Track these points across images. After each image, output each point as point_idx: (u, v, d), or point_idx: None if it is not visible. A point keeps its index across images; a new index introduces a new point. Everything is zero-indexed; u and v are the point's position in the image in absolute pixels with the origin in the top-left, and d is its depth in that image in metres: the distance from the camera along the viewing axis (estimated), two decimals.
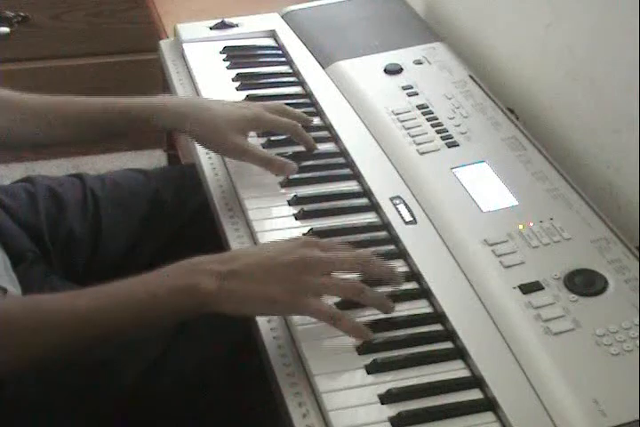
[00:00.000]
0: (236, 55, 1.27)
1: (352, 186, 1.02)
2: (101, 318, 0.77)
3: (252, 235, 0.95)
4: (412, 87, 1.13)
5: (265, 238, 0.94)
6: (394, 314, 0.83)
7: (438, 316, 0.85)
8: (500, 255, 0.88)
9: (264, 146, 1.07)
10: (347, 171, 1.04)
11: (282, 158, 1.01)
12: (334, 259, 0.81)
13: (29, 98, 1.04)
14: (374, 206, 0.98)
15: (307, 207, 0.98)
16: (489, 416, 0.76)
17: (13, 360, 0.76)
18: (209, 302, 0.78)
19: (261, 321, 0.85)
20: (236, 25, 1.32)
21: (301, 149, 1.07)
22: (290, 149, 1.06)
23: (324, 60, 1.22)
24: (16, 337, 0.75)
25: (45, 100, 1.03)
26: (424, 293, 0.87)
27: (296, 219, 0.97)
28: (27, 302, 0.81)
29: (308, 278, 0.79)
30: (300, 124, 1.06)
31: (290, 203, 0.99)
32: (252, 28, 1.32)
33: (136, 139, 2.12)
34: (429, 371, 0.79)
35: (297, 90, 1.20)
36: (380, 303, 0.82)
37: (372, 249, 0.92)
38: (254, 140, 1.07)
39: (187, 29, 1.30)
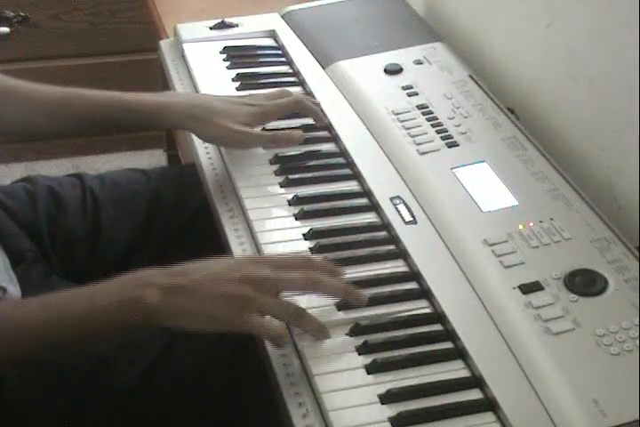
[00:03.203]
0: (235, 55, 1.27)
1: (352, 186, 1.02)
2: (44, 329, 0.77)
3: (252, 235, 0.95)
4: (411, 87, 1.13)
5: (265, 238, 0.94)
6: (394, 314, 0.83)
7: (438, 316, 0.85)
8: (499, 255, 0.88)
9: (264, 146, 1.07)
10: (347, 171, 1.04)
11: (283, 131, 1.02)
12: (281, 278, 0.80)
13: (38, 88, 1.04)
14: (374, 206, 0.98)
15: (307, 207, 0.98)
16: (489, 416, 0.76)
17: None
18: (151, 315, 0.77)
19: None
20: (236, 25, 1.32)
21: (300, 149, 1.07)
22: (290, 149, 1.06)
23: (324, 60, 1.22)
24: None
25: (54, 90, 1.04)
26: (424, 293, 0.87)
27: (296, 219, 0.97)
28: None
29: (251, 296, 0.77)
30: (303, 96, 1.06)
31: (290, 203, 0.99)
32: (252, 28, 1.32)
33: (136, 137, 2.13)
34: (429, 371, 0.79)
35: (297, 90, 1.20)
36: (317, 330, 0.81)
37: (372, 249, 0.92)
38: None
39: (187, 29, 1.30)
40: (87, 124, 1.05)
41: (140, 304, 0.77)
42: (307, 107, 1.07)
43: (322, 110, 1.08)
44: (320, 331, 0.81)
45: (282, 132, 1.02)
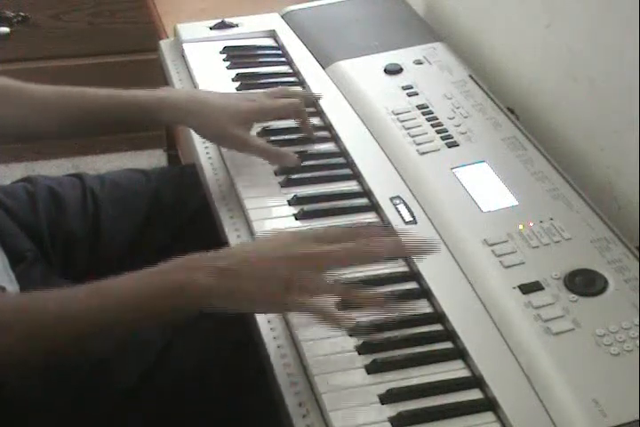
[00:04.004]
0: (235, 55, 1.27)
1: (352, 186, 1.02)
2: (97, 318, 0.76)
3: (252, 235, 0.95)
4: (411, 87, 1.13)
5: None
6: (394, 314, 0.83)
7: (438, 316, 0.85)
8: (499, 255, 0.88)
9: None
10: (347, 171, 1.04)
11: (282, 149, 1.02)
12: (327, 255, 0.79)
13: (32, 87, 1.04)
14: (374, 206, 0.98)
15: (307, 207, 0.98)
16: (489, 416, 0.76)
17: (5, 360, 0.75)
18: (206, 298, 0.77)
19: (261, 321, 0.85)
20: (236, 25, 1.32)
21: (301, 149, 1.07)
22: (290, 149, 1.06)
23: (324, 60, 1.22)
24: (7, 337, 0.74)
25: (49, 89, 1.04)
26: (424, 293, 0.87)
27: (296, 219, 0.97)
28: (20, 301, 0.80)
29: (296, 275, 0.77)
30: (302, 103, 1.06)
31: (290, 203, 0.99)
32: (252, 28, 1.33)
33: (136, 137, 2.12)
34: (429, 371, 0.79)
35: (297, 90, 1.20)
36: (372, 302, 0.80)
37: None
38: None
39: (187, 29, 1.30)
40: (84, 123, 1.05)
41: (192, 287, 0.76)
42: (301, 115, 1.06)
43: (313, 132, 1.08)
44: (376, 302, 0.79)
45: (279, 150, 1.02)
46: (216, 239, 0.99)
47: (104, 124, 1.07)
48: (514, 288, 0.84)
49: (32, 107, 1.03)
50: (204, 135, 1.05)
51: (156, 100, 1.02)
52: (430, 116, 1.07)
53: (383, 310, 0.80)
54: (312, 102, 1.11)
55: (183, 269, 0.78)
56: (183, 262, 0.79)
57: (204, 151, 1.08)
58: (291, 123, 1.10)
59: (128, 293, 0.77)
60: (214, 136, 1.03)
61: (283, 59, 1.27)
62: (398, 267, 0.90)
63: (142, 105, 1.02)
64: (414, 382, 0.78)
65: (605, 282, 0.84)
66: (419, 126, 1.06)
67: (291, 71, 1.24)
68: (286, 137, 1.09)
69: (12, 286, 0.94)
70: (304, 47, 1.26)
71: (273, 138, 1.09)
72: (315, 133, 1.08)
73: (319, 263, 0.79)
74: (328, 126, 1.11)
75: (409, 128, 1.06)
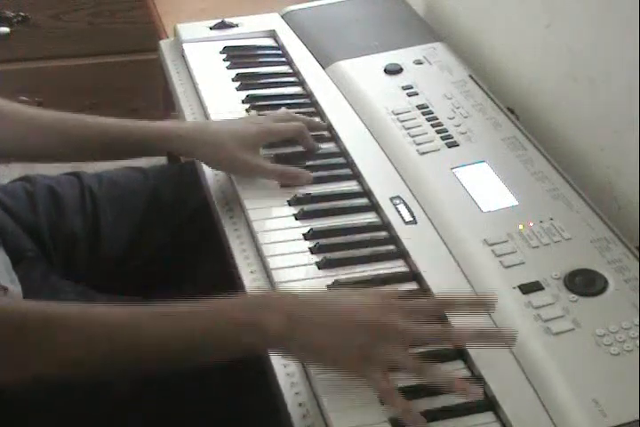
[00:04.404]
0: (236, 55, 1.27)
1: (352, 186, 1.02)
2: (156, 342, 0.74)
3: (252, 235, 0.95)
4: (411, 87, 1.13)
5: (265, 238, 0.94)
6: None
7: (438, 316, 0.84)
8: (499, 255, 0.88)
9: (264, 146, 1.07)
10: (347, 171, 1.04)
11: (294, 169, 1.01)
12: (412, 333, 0.76)
13: (41, 113, 1.03)
14: (374, 206, 0.98)
15: (307, 207, 0.98)
16: (489, 416, 0.76)
17: (56, 367, 0.73)
18: (271, 341, 0.75)
19: None
20: (236, 25, 1.32)
21: (300, 149, 1.07)
22: (290, 150, 1.06)
23: (324, 60, 1.22)
24: (65, 344, 0.73)
25: (58, 117, 1.02)
26: (424, 293, 0.87)
27: (296, 219, 0.97)
28: (86, 311, 0.77)
29: (378, 347, 0.74)
30: (305, 127, 1.06)
31: (290, 203, 0.99)
32: (252, 28, 1.33)
33: None
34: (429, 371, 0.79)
35: (297, 90, 1.20)
36: (446, 383, 0.75)
37: (372, 249, 0.92)
38: None
39: (187, 29, 1.30)
40: (84, 151, 1.04)
41: (259, 328, 0.74)
42: (305, 139, 1.06)
43: (316, 148, 1.07)
44: (449, 383, 0.75)
45: (292, 170, 1.01)
46: (216, 237, 0.99)
47: (107, 153, 1.05)
48: (514, 288, 0.84)
49: (28, 130, 1.01)
50: (214, 165, 1.03)
51: (168, 132, 1.01)
52: (430, 116, 1.07)
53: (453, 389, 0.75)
54: (315, 127, 1.10)
55: (259, 307, 0.75)
56: (263, 300, 0.77)
57: None
58: None
59: (199, 322, 0.75)
60: (225, 165, 1.02)
61: (283, 59, 1.26)
62: (398, 267, 0.90)
63: (153, 137, 1.01)
64: (414, 382, 0.78)
65: (605, 282, 0.84)
66: (419, 126, 1.06)
67: (291, 71, 1.24)
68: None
69: (14, 287, 0.94)
70: (304, 47, 1.26)
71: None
72: (316, 152, 1.07)
73: (404, 340, 0.76)
74: (328, 126, 1.11)
75: (409, 128, 1.06)
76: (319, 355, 0.76)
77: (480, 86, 1.12)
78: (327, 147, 1.08)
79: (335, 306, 0.77)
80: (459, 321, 0.80)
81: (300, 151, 1.07)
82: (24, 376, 0.73)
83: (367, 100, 1.12)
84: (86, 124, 1.02)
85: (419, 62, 1.18)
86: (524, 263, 0.87)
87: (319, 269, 0.90)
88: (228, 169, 1.03)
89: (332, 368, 0.76)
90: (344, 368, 0.76)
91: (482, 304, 0.80)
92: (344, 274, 0.89)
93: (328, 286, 0.87)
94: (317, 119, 1.12)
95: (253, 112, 1.12)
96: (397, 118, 1.08)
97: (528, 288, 0.84)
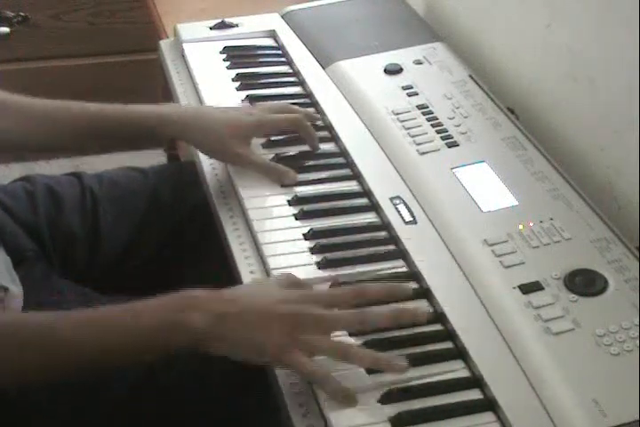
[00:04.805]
0: (236, 55, 1.27)
1: (352, 186, 1.02)
2: (84, 347, 0.76)
3: (252, 235, 0.95)
4: (411, 87, 1.13)
5: (265, 238, 0.94)
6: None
7: (438, 316, 0.85)
8: (499, 255, 0.88)
9: (264, 146, 1.07)
10: (347, 171, 1.04)
11: (282, 167, 1.01)
12: (332, 319, 0.79)
13: (36, 102, 1.03)
14: (374, 206, 0.98)
15: (307, 207, 0.98)
16: (489, 416, 0.76)
17: None
18: (195, 341, 0.76)
19: None
20: (236, 25, 1.32)
21: (300, 149, 1.07)
22: (290, 149, 1.06)
23: (324, 60, 1.22)
24: (16, 354, 0.75)
25: (52, 104, 1.03)
26: (424, 293, 0.87)
27: (296, 219, 0.97)
28: (15, 320, 0.80)
29: (299, 336, 0.77)
30: (303, 117, 1.06)
31: (290, 203, 0.99)
32: (252, 28, 1.32)
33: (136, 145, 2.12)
34: (429, 371, 0.79)
35: (297, 90, 1.20)
36: (370, 362, 0.78)
37: (372, 249, 0.92)
38: (254, 141, 1.06)
39: (187, 29, 1.30)
40: (83, 137, 1.04)
41: (184, 329, 0.76)
42: (304, 128, 1.06)
43: (317, 142, 1.07)
44: (376, 361, 0.78)
45: (280, 167, 1.01)
46: (215, 237, 0.99)
47: (104, 139, 1.06)
48: (514, 288, 0.84)
49: (31, 120, 1.01)
50: (204, 150, 1.04)
51: (157, 115, 1.02)
52: (430, 116, 1.07)
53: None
54: (310, 118, 1.09)
55: (182, 308, 0.77)
56: (182, 300, 0.78)
57: None
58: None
59: (121, 327, 0.77)
60: (215, 151, 1.03)
61: (283, 59, 1.26)
62: (398, 267, 0.90)
63: (143, 120, 1.02)
64: (414, 382, 0.78)
65: (605, 282, 0.84)
66: (419, 126, 1.06)
67: (291, 71, 1.24)
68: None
69: (15, 287, 0.94)
70: (304, 47, 1.26)
71: (273, 138, 1.08)
72: (316, 145, 1.07)
73: (322, 327, 0.78)
74: (328, 126, 1.11)
75: (409, 128, 1.06)
76: (244, 350, 0.77)
77: (480, 86, 1.12)
78: (327, 147, 1.08)
79: (256, 301, 0.79)
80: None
81: (300, 152, 1.06)
82: None
83: (367, 100, 1.12)
84: (79, 111, 1.02)
85: (419, 62, 1.18)
86: (523, 263, 0.87)
87: (319, 269, 0.90)
88: (217, 156, 1.04)
89: (258, 361, 0.78)
90: (270, 360, 0.78)
91: (395, 293, 0.82)
92: (344, 274, 0.89)
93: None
94: (313, 113, 1.11)
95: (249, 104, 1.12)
96: (397, 118, 1.08)
97: (528, 288, 0.84)
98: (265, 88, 1.19)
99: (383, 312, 0.80)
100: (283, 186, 1.01)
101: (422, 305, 0.86)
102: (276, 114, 1.05)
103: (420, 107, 1.09)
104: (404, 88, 1.13)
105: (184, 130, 1.02)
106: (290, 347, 0.76)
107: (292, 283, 0.83)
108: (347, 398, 0.76)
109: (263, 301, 0.79)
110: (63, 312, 0.79)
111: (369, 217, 0.97)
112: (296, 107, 1.09)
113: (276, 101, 1.12)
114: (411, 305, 0.84)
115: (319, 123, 1.12)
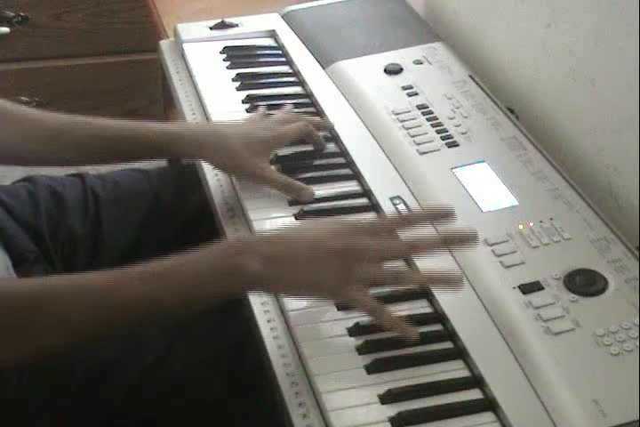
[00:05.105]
0: (235, 55, 1.27)
1: (352, 186, 1.02)
2: (149, 299, 0.77)
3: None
4: (411, 87, 1.13)
5: None
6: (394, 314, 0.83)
7: (438, 316, 0.85)
8: (499, 255, 0.88)
9: None
10: (347, 171, 1.04)
11: (299, 184, 1.00)
12: (383, 247, 0.81)
13: (45, 115, 1.01)
14: (374, 206, 0.98)
15: (307, 207, 0.98)
16: (489, 416, 0.76)
17: (56, 337, 0.75)
18: (254, 283, 0.79)
19: (261, 321, 0.85)
20: (236, 25, 1.32)
21: (301, 149, 1.07)
22: (290, 149, 1.06)
23: (324, 60, 1.22)
24: (60, 314, 0.75)
25: (61, 119, 1.01)
26: (424, 293, 0.87)
27: (296, 219, 0.97)
28: (76, 281, 0.79)
29: (354, 268, 0.79)
30: (309, 124, 1.05)
31: (290, 203, 0.99)
32: (252, 28, 1.33)
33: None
34: (429, 371, 0.79)
35: (297, 90, 1.20)
36: (427, 281, 0.83)
37: None
38: None
39: (187, 29, 1.30)
40: (94, 154, 1.03)
41: (240, 272, 0.77)
42: (311, 135, 1.06)
43: (324, 145, 1.08)
44: (430, 280, 0.83)
45: (294, 184, 1.00)
46: (217, 238, 0.99)
47: (112, 155, 1.04)
48: (514, 288, 0.84)
49: (26, 132, 1.00)
50: (221, 168, 1.02)
51: (170, 133, 1.00)
52: (430, 116, 1.07)
53: None
54: (318, 125, 1.09)
55: (234, 253, 0.78)
56: (235, 245, 0.80)
57: None
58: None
59: (181, 277, 0.77)
60: (233, 168, 1.01)
61: (283, 59, 1.27)
62: (398, 267, 0.90)
63: (157, 139, 1.00)
64: (414, 382, 0.78)
65: (605, 282, 0.84)
66: (419, 126, 1.06)
67: (291, 71, 1.24)
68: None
69: None
70: (304, 47, 1.26)
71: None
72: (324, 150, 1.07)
73: (376, 256, 0.80)
74: (328, 126, 1.11)
75: (409, 128, 1.06)
76: (301, 288, 0.79)
77: (480, 86, 1.12)
78: (327, 147, 1.08)
79: (305, 239, 0.80)
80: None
81: (300, 151, 1.06)
82: (25, 351, 0.74)
83: (367, 100, 1.12)
84: (92, 127, 1.01)
85: (419, 62, 1.18)
86: (523, 263, 0.87)
87: None
88: (235, 172, 1.02)
89: (316, 298, 0.81)
90: (328, 296, 0.80)
91: (441, 215, 0.85)
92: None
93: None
94: (318, 118, 1.11)
95: (261, 109, 1.11)
96: (397, 118, 1.08)
97: (528, 288, 0.84)
98: (265, 88, 1.19)
99: (434, 238, 0.83)
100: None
101: (422, 305, 0.86)
102: (287, 125, 1.04)
103: (420, 107, 1.09)
104: (404, 88, 1.13)
105: (200, 147, 1.00)
106: (346, 281, 0.78)
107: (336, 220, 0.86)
108: (404, 329, 0.79)
109: (313, 236, 0.80)
110: (120, 270, 0.78)
111: (369, 217, 0.97)
112: (303, 116, 1.08)
113: (281, 110, 1.09)
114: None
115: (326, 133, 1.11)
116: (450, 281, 0.82)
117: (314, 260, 0.79)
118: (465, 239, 0.84)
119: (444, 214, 0.85)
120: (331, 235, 0.80)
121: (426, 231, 0.85)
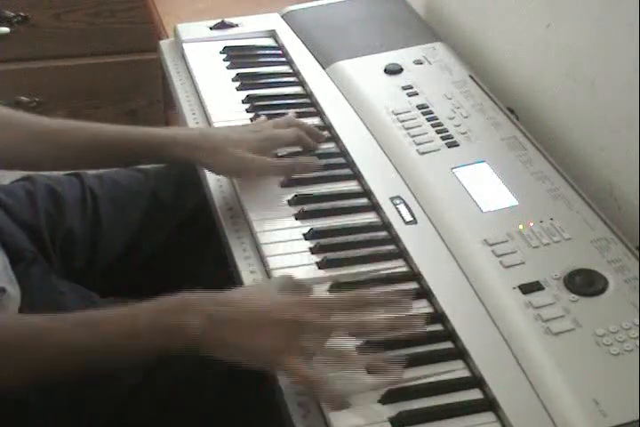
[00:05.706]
0: (235, 55, 1.27)
1: (352, 186, 1.02)
2: (81, 349, 0.76)
3: (252, 235, 0.95)
4: (411, 87, 1.13)
5: (265, 238, 0.94)
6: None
7: (438, 316, 0.85)
8: (499, 255, 0.88)
9: None
10: (347, 171, 1.04)
11: (300, 158, 1.00)
12: (329, 325, 0.79)
13: (42, 120, 1.01)
14: (374, 206, 0.98)
15: (307, 207, 0.98)
16: (489, 416, 0.76)
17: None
18: (191, 344, 0.76)
19: None
20: (236, 25, 1.32)
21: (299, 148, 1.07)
22: (289, 149, 1.06)
23: (324, 60, 1.22)
24: (13, 357, 0.75)
25: (58, 123, 1.01)
26: (424, 293, 0.87)
27: (296, 219, 0.97)
28: (11, 321, 0.80)
29: (296, 340, 0.76)
30: (301, 131, 1.05)
31: (290, 203, 0.99)
32: (252, 28, 1.33)
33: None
34: (429, 371, 0.79)
35: (297, 90, 1.20)
36: (366, 366, 0.78)
37: (372, 249, 0.92)
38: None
39: (187, 29, 1.30)
40: (90, 159, 1.02)
41: (181, 332, 0.76)
42: (305, 143, 1.05)
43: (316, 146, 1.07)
44: (374, 362, 0.78)
45: (297, 161, 1.00)
46: (216, 238, 0.99)
47: (110, 160, 1.04)
48: (514, 288, 0.84)
49: (32, 138, 1.00)
50: (219, 170, 1.02)
51: (167, 137, 1.00)
52: (430, 116, 1.07)
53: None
54: (309, 132, 1.08)
55: (177, 311, 0.77)
56: (180, 303, 0.78)
57: None
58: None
59: (119, 329, 0.77)
60: (234, 169, 1.00)
61: (283, 59, 1.26)
62: (398, 267, 0.90)
63: (153, 142, 1.00)
64: (414, 382, 0.78)
65: (605, 282, 0.84)
66: (419, 126, 1.06)
67: (291, 71, 1.24)
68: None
69: (12, 287, 0.93)
70: (304, 47, 1.26)
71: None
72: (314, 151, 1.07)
73: (320, 332, 0.78)
74: (328, 126, 1.11)
75: (409, 128, 1.06)
76: (241, 354, 0.77)
77: (480, 86, 1.12)
78: (327, 147, 1.08)
79: (254, 305, 0.79)
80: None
81: (300, 151, 1.06)
82: None
83: (367, 100, 1.12)
84: (87, 132, 1.01)
85: (419, 62, 1.18)
86: (523, 263, 0.87)
87: (319, 269, 0.90)
88: (236, 172, 1.01)
89: (255, 366, 0.78)
90: (263, 364, 0.78)
91: (395, 305, 0.82)
92: (344, 274, 0.89)
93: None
94: (315, 124, 1.11)
95: (263, 118, 1.10)
96: (397, 118, 1.08)
97: (528, 288, 0.84)
98: (265, 88, 1.19)
99: (381, 320, 0.79)
100: (282, 178, 1.01)
101: (422, 305, 0.86)
102: (279, 129, 1.04)
103: (420, 107, 1.09)
104: (404, 88, 1.13)
105: (195, 150, 0.99)
106: (286, 352, 0.76)
107: (292, 286, 0.83)
108: (342, 405, 0.75)
109: (261, 305, 0.79)
110: (60, 315, 0.79)
111: (369, 217, 0.97)
112: (299, 121, 1.08)
113: (270, 90, 1.10)
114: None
115: (319, 122, 1.11)
116: (390, 371, 0.78)
117: (257, 327, 0.77)
118: (413, 327, 0.81)
119: (403, 306, 0.82)
120: (281, 305, 0.79)
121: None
